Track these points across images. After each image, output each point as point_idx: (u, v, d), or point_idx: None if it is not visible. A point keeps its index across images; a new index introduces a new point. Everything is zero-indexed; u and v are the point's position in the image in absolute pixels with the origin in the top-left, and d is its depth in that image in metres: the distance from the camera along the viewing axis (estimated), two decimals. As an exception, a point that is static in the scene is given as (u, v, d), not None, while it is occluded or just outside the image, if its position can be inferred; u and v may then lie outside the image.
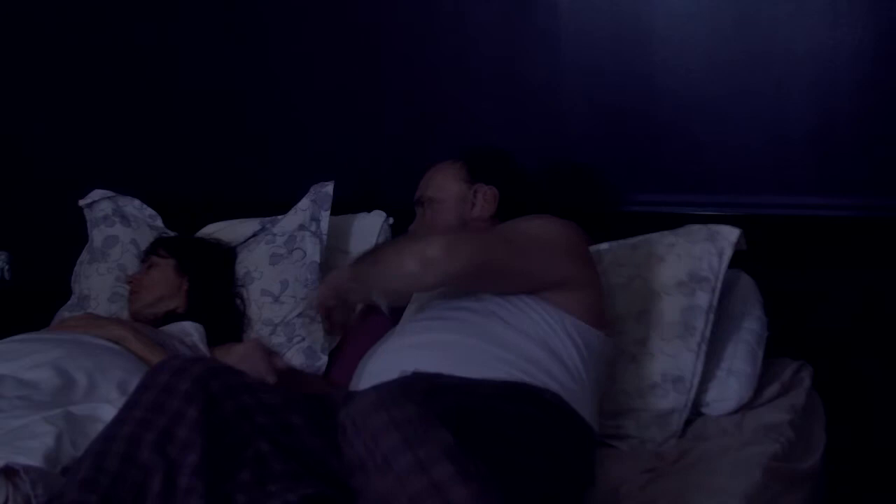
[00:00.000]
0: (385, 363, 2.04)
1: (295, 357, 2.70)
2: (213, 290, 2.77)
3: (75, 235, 3.06)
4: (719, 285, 2.37)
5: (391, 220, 2.91)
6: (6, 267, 3.34)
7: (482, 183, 2.36)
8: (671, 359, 2.32)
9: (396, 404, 1.51)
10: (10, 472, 1.80)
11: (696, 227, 2.46)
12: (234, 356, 2.14)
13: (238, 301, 2.80)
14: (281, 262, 2.82)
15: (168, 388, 1.74)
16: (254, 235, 2.91)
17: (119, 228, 2.99)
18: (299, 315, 2.75)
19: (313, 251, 2.80)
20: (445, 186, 2.39)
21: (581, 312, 2.09)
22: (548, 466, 1.78)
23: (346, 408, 1.55)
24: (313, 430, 1.78)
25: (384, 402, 1.51)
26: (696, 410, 2.35)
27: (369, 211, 2.94)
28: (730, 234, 2.41)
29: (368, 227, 2.91)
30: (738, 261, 2.51)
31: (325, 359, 2.72)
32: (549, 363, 1.99)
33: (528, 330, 2.03)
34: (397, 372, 1.83)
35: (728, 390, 2.34)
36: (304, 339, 2.73)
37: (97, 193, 3.05)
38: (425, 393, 1.56)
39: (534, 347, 2.01)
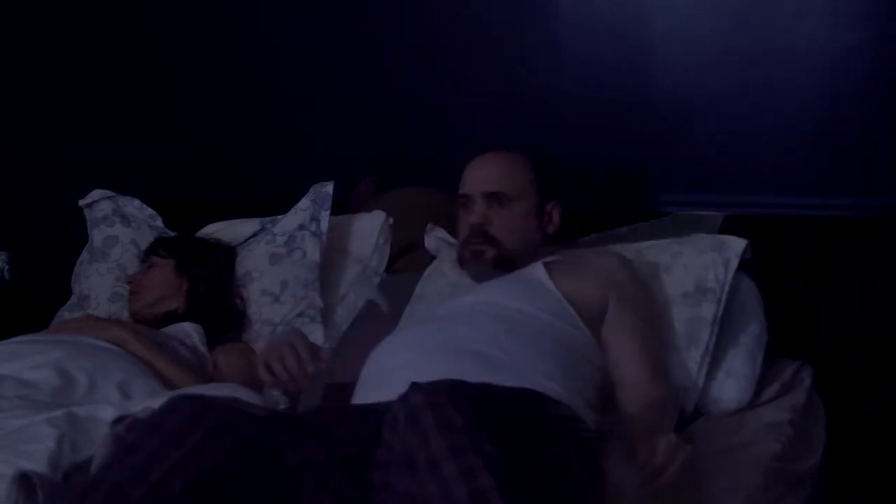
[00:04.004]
0: (413, 363, 1.93)
1: (295, 357, 2.70)
2: (213, 290, 2.77)
3: (75, 235, 3.06)
4: (724, 297, 2.33)
5: (391, 220, 2.91)
6: (6, 267, 3.34)
7: (552, 196, 2.33)
8: (674, 370, 2.27)
9: (447, 410, 1.49)
10: (26, 478, 1.80)
11: (702, 236, 2.43)
12: (273, 343, 2.09)
13: (238, 301, 2.80)
14: (281, 261, 2.82)
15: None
16: (254, 235, 2.91)
17: (119, 228, 2.99)
18: (299, 315, 2.76)
19: (313, 251, 2.80)
20: (522, 188, 2.30)
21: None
22: (575, 484, 1.72)
23: (399, 402, 1.53)
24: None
25: (435, 406, 1.50)
26: (695, 411, 2.34)
27: (369, 211, 2.94)
28: (736, 245, 2.37)
29: (368, 227, 2.90)
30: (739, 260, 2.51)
31: (324, 359, 2.72)
32: (554, 369, 1.95)
33: (542, 330, 2.00)
34: (430, 374, 1.76)
35: (727, 393, 2.32)
36: (303, 340, 2.73)
37: (97, 193, 3.05)
38: (473, 402, 1.53)
39: (550, 348, 1.98)
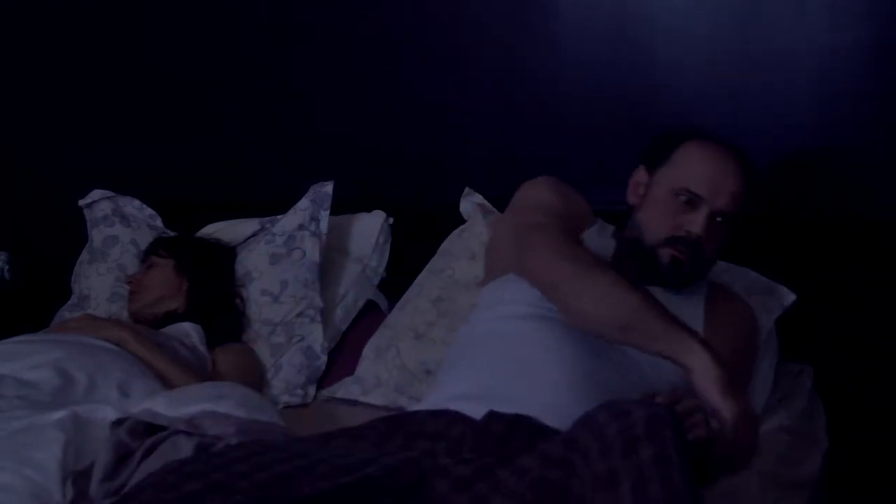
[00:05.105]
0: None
1: (294, 357, 2.70)
2: (213, 290, 2.77)
3: (75, 235, 3.07)
4: (761, 342, 2.32)
5: (391, 220, 2.91)
6: (6, 267, 3.34)
7: None
8: None
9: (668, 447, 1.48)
10: None
11: (754, 275, 2.42)
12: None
13: (238, 301, 2.80)
14: (281, 261, 2.82)
15: None
16: (253, 235, 2.91)
17: (119, 228, 3.00)
18: (299, 315, 2.76)
19: (313, 251, 2.81)
20: (739, 216, 2.11)
21: None
22: None
23: (617, 416, 1.51)
24: None
25: (666, 458, 1.48)
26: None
27: (369, 211, 2.95)
28: (785, 297, 2.38)
29: (368, 227, 2.91)
30: (740, 261, 2.50)
31: (324, 358, 2.72)
32: None
33: (677, 388, 1.85)
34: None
35: None
36: (303, 339, 2.73)
37: (97, 193, 3.06)
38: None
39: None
